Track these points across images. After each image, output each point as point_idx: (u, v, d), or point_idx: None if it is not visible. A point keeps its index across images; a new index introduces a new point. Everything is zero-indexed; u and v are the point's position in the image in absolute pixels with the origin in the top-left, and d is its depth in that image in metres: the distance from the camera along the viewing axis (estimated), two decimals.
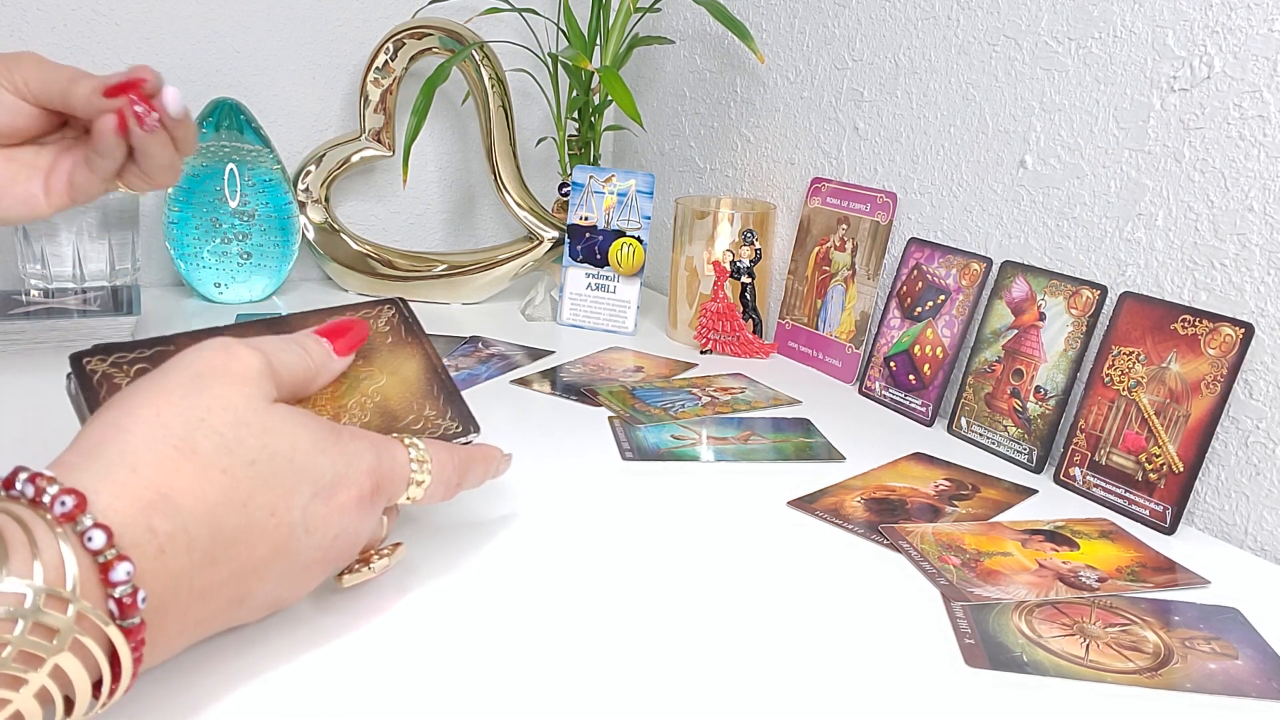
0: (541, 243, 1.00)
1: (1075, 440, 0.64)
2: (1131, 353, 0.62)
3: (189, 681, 0.39)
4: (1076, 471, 0.64)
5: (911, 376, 0.76)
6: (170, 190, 0.93)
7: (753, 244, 0.89)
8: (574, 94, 0.98)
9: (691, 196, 0.99)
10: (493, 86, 0.98)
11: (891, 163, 0.83)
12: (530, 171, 1.11)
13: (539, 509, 0.57)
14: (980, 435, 0.70)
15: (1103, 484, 0.62)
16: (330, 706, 0.39)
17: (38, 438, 0.62)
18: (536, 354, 0.86)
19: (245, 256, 0.94)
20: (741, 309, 0.89)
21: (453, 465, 0.47)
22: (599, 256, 0.94)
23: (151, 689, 0.38)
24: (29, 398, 0.67)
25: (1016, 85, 0.72)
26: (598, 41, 0.98)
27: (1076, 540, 0.56)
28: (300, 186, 1.00)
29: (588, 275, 0.95)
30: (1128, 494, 0.60)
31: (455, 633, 0.44)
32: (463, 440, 0.51)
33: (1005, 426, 0.68)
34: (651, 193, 0.93)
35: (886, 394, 0.78)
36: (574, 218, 0.95)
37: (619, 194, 0.94)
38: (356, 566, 0.45)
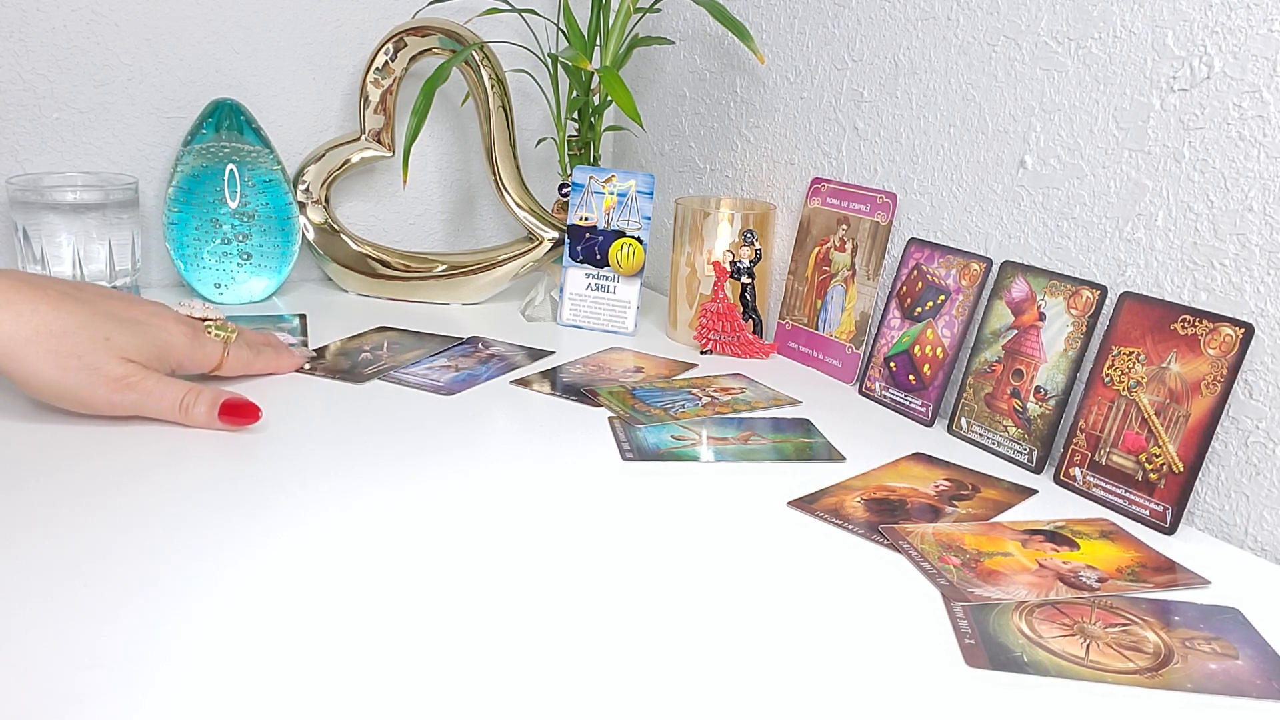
0: (541, 243, 1.00)
1: (1075, 440, 0.64)
2: (1131, 353, 0.62)
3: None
4: (1076, 472, 0.64)
5: (911, 377, 0.76)
6: (170, 190, 0.93)
7: (753, 244, 0.89)
8: (574, 94, 0.98)
9: (691, 196, 0.99)
10: (493, 87, 0.98)
11: (891, 163, 0.83)
12: (530, 172, 1.11)
13: (539, 509, 0.57)
14: (980, 435, 0.70)
15: (1103, 484, 0.62)
16: (328, 709, 0.39)
17: (39, 438, 0.62)
18: (536, 354, 0.86)
19: (245, 257, 0.94)
20: (741, 309, 0.89)
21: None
22: (599, 257, 0.94)
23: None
24: (15, 392, 0.67)
25: (1016, 85, 0.72)
26: (597, 42, 0.98)
27: (1077, 540, 0.56)
28: (300, 187, 1.00)
29: (588, 275, 0.95)
30: (1128, 494, 0.60)
31: (455, 632, 0.44)
32: None
33: (1005, 427, 0.68)
34: (651, 193, 0.93)
35: (886, 394, 0.78)
36: (574, 218, 0.95)
37: (619, 194, 0.94)
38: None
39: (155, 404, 0.64)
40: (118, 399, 0.63)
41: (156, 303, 0.70)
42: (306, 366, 0.78)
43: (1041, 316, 0.68)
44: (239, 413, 0.64)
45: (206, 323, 0.72)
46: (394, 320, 0.93)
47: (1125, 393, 0.62)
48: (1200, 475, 0.58)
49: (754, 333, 0.90)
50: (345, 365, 0.80)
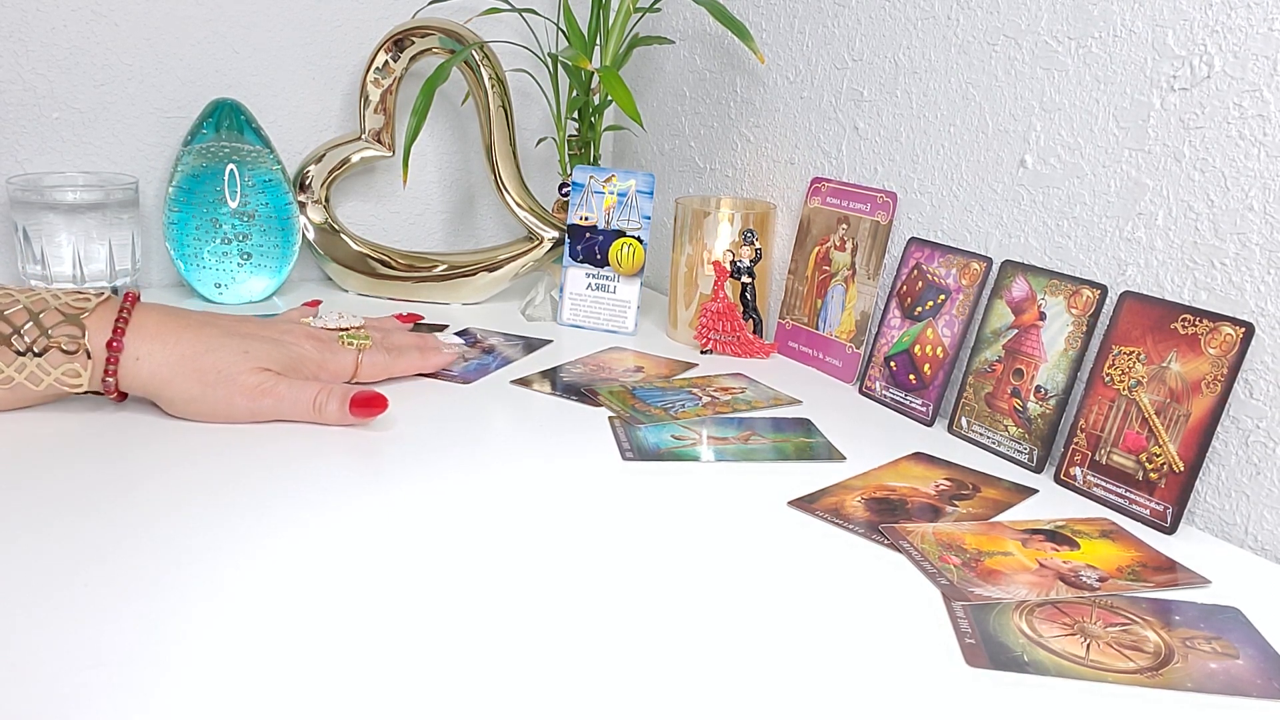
0: (541, 243, 1.00)
1: (1076, 440, 0.64)
2: (1132, 352, 0.62)
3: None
4: (1077, 471, 0.64)
5: (911, 376, 0.76)
6: (170, 190, 0.93)
7: (753, 244, 0.89)
8: (574, 94, 0.98)
9: (691, 196, 0.99)
10: (493, 87, 0.98)
11: (891, 163, 0.83)
12: (530, 171, 1.11)
13: (539, 509, 0.57)
14: (980, 435, 0.70)
15: (1103, 483, 0.62)
16: (329, 709, 0.39)
17: (40, 437, 0.62)
18: (534, 344, 0.87)
19: (245, 257, 0.94)
20: (742, 309, 0.89)
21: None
22: (599, 256, 0.94)
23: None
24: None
25: (1016, 85, 0.72)
26: (598, 41, 0.98)
27: (1077, 540, 0.56)
28: (301, 186, 1.00)
29: (588, 275, 0.95)
30: (1128, 493, 0.60)
31: (455, 632, 0.44)
32: None
33: (1005, 426, 0.68)
34: (651, 193, 0.93)
35: (887, 394, 0.78)
36: (574, 218, 0.95)
37: (619, 194, 0.94)
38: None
39: (290, 407, 0.66)
40: (255, 406, 0.65)
41: (290, 322, 0.74)
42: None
43: (1042, 316, 0.68)
44: (368, 404, 0.66)
45: (341, 334, 0.74)
46: None
47: (1125, 392, 0.62)
48: (1200, 475, 0.58)
49: (754, 332, 0.90)
50: None
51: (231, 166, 0.93)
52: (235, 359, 0.65)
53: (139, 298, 0.66)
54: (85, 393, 0.64)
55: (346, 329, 0.75)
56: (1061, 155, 0.69)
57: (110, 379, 0.63)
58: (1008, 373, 0.69)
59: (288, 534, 0.52)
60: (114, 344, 0.62)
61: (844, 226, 0.85)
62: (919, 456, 0.68)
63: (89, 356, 0.62)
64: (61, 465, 0.59)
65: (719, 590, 0.49)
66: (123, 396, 0.65)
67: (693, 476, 0.63)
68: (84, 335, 0.62)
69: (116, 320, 0.63)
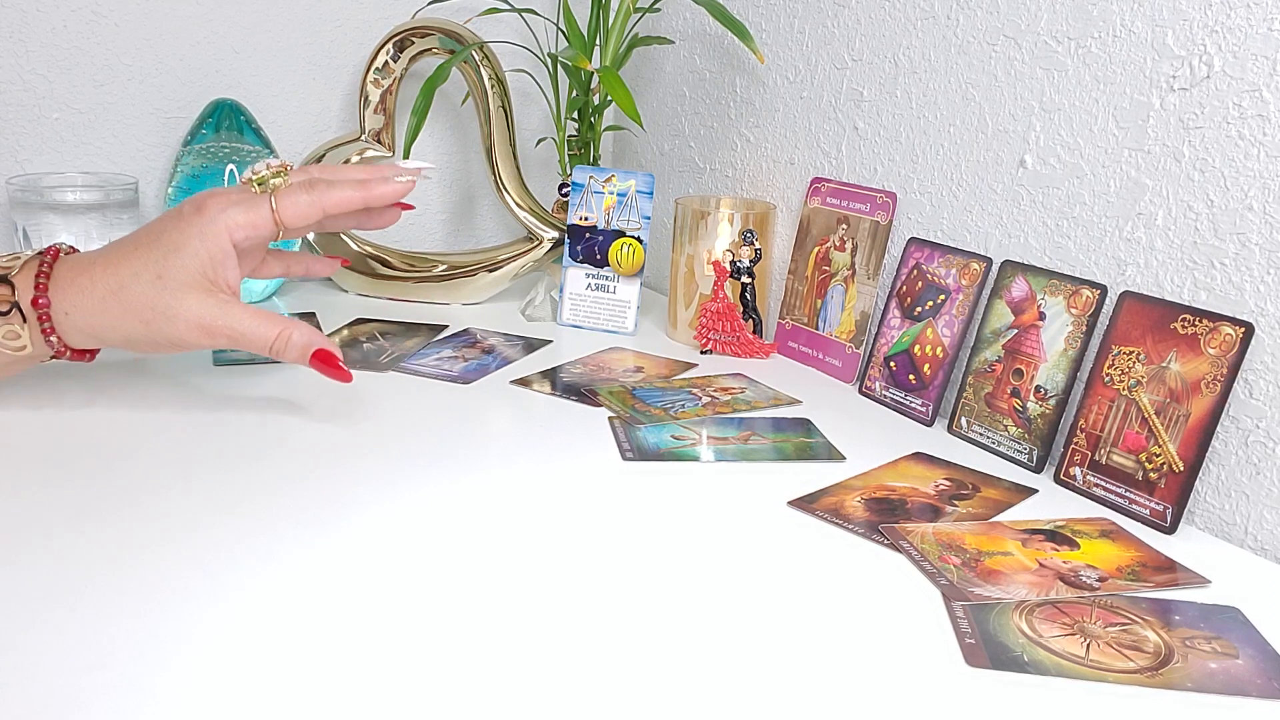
0: (541, 243, 1.00)
1: (1075, 440, 0.64)
2: (1131, 352, 0.62)
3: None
4: (1077, 471, 0.64)
5: (911, 376, 0.76)
6: (170, 190, 0.93)
7: (753, 244, 0.89)
8: (574, 94, 0.98)
9: (691, 196, 0.99)
10: (492, 87, 0.98)
11: (891, 163, 0.83)
12: (530, 171, 1.11)
13: (539, 509, 0.57)
14: (980, 435, 0.70)
15: (1103, 483, 0.62)
16: (331, 710, 0.39)
17: (43, 436, 0.62)
18: (534, 344, 0.87)
19: None
20: (741, 309, 0.89)
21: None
22: (599, 256, 0.94)
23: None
24: (25, 399, 0.67)
25: (1016, 85, 0.72)
26: (597, 42, 0.98)
27: (1077, 540, 0.56)
28: None
29: (588, 275, 0.95)
30: (1128, 493, 0.60)
31: (455, 632, 0.44)
32: None
33: (1005, 426, 0.68)
34: (651, 193, 0.93)
35: (886, 394, 0.78)
36: (574, 218, 0.95)
37: (619, 194, 0.94)
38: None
39: (247, 347, 0.62)
40: (211, 342, 0.61)
41: (193, 205, 0.62)
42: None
43: (1041, 316, 0.68)
44: (328, 362, 0.62)
45: (251, 180, 0.63)
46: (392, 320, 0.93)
47: (1125, 392, 0.62)
48: (1200, 474, 0.58)
49: (754, 332, 0.90)
50: (356, 357, 0.82)
51: (231, 167, 0.93)
52: (153, 292, 0.60)
53: (69, 251, 0.63)
54: (53, 358, 0.62)
55: (260, 171, 0.63)
56: (1061, 155, 0.69)
57: (53, 338, 0.60)
58: (1007, 373, 0.69)
59: (287, 534, 0.52)
60: (39, 300, 0.59)
61: (844, 226, 0.85)
62: (919, 456, 0.68)
63: (24, 318, 0.60)
64: (64, 467, 0.59)
65: (719, 590, 0.49)
66: (81, 354, 0.63)
67: (693, 476, 0.63)
68: (14, 294, 0.59)
69: (37, 275, 0.60)
